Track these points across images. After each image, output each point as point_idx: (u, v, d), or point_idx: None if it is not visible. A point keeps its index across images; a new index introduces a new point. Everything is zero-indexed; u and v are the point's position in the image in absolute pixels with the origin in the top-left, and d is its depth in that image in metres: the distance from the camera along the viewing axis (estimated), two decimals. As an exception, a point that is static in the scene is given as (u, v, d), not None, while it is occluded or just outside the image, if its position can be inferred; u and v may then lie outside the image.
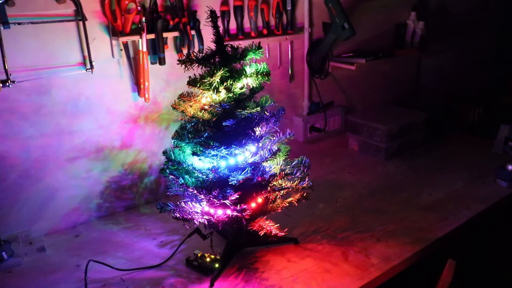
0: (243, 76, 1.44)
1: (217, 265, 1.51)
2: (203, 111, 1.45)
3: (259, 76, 1.45)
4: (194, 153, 1.45)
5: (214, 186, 1.42)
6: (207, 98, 1.44)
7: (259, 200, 1.49)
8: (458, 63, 3.13)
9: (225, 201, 1.41)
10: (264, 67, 1.46)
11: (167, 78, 1.94)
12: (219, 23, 1.63)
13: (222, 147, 1.40)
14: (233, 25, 2.07)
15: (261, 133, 1.47)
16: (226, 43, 1.44)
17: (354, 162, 2.39)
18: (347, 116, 2.56)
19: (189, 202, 1.50)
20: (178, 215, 1.49)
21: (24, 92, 1.64)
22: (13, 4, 1.51)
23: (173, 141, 1.51)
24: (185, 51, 1.89)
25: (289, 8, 2.20)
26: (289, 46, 2.30)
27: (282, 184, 1.51)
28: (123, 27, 1.73)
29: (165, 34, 1.82)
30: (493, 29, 3.20)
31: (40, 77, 1.65)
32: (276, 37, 2.20)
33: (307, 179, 1.55)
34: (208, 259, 1.54)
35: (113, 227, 1.85)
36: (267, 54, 2.23)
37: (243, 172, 1.41)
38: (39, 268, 1.60)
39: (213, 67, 1.39)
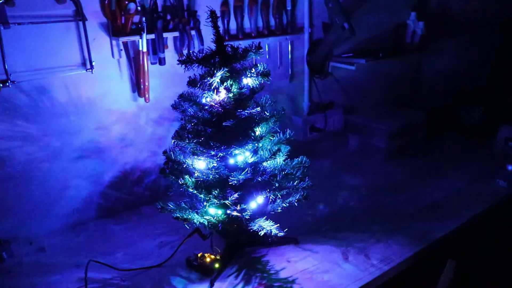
0: (243, 76, 1.44)
1: (217, 265, 1.51)
2: (203, 111, 1.45)
3: (259, 76, 1.45)
4: (194, 153, 1.45)
5: (214, 186, 1.42)
6: (207, 98, 1.44)
7: (259, 200, 1.49)
8: (458, 63, 3.12)
9: (225, 201, 1.41)
10: (264, 67, 1.46)
11: (167, 78, 1.94)
12: (219, 23, 1.63)
13: (222, 147, 1.40)
14: (233, 25, 2.07)
15: (261, 133, 1.47)
16: (226, 43, 1.44)
17: (354, 162, 2.39)
18: (347, 116, 2.56)
19: (189, 202, 1.50)
20: (178, 215, 1.49)
21: (24, 92, 1.64)
22: (13, 4, 1.51)
23: (173, 141, 1.51)
24: (185, 51, 1.90)
25: (289, 8, 2.20)
26: (289, 46, 2.30)
27: (282, 184, 1.51)
28: (123, 27, 1.73)
29: (165, 34, 1.82)
30: (493, 29, 3.20)
31: (40, 77, 1.65)
32: (276, 37, 2.20)
33: (307, 179, 1.55)
34: (208, 259, 1.54)
35: (113, 227, 1.85)
36: (267, 54, 2.23)
37: (243, 172, 1.41)
38: (39, 268, 1.60)
39: (213, 67, 1.39)
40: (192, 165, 1.46)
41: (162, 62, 1.85)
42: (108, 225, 1.87)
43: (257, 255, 1.61)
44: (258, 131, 1.46)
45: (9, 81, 1.56)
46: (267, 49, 2.22)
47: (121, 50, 1.79)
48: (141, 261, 1.60)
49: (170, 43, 1.90)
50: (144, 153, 1.98)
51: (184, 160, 1.49)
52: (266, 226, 1.46)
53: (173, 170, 1.51)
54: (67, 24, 1.66)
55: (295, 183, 1.53)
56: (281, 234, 1.47)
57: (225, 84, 1.40)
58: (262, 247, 1.64)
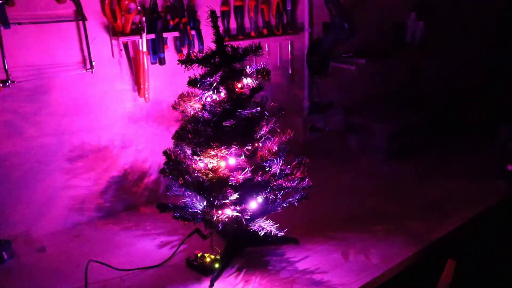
0: (243, 76, 1.44)
1: (217, 265, 1.51)
2: (203, 111, 1.45)
3: (259, 76, 1.45)
4: (194, 153, 1.45)
5: (214, 186, 1.42)
6: (207, 98, 1.44)
7: (259, 200, 1.49)
8: (458, 63, 3.12)
9: (225, 201, 1.41)
10: (264, 67, 1.46)
11: (167, 78, 1.94)
12: (219, 23, 1.63)
13: (222, 147, 1.40)
14: (233, 25, 2.07)
15: (261, 133, 1.47)
16: (226, 43, 1.44)
17: (354, 162, 2.39)
18: (347, 116, 2.56)
19: (189, 202, 1.50)
20: (178, 215, 1.49)
21: (24, 92, 1.64)
22: (13, 4, 1.51)
23: (173, 141, 1.51)
24: (185, 51, 1.90)
25: (289, 8, 2.20)
26: (289, 46, 2.30)
27: (282, 184, 1.51)
28: (123, 27, 1.73)
29: (165, 34, 1.82)
30: (493, 28, 3.20)
31: (40, 77, 1.65)
32: (276, 37, 2.20)
33: (307, 179, 1.54)
34: (208, 259, 1.54)
35: (113, 227, 1.85)
36: (267, 54, 2.23)
37: (243, 172, 1.41)
38: (39, 268, 1.60)
39: (213, 67, 1.39)
40: (192, 165, 1.46)
41: (162, 62, 1.85)
42: (108, 225, 1.87)
43: (257, 255, 1.61)
44: (258, 131, 1.46)
45: (9, 81, 1.56)
46: (267, 49, 2.22)
47: (121, 50, 1.79)
48: (141, 261, 1.60)
49: (170, 43, 1.90)
50: (144, 153, 1.98)
51: (184, 160, 1.49)
52: (266, 226, 1.46)
53: (173, 170, 1.51)
54: (67, 24, 1.66)
55: (295, 183, 1.53)
56: (281, 234, 1.47)
57: (225, 84, 1.40)
58: (262, 247, 1.64)
